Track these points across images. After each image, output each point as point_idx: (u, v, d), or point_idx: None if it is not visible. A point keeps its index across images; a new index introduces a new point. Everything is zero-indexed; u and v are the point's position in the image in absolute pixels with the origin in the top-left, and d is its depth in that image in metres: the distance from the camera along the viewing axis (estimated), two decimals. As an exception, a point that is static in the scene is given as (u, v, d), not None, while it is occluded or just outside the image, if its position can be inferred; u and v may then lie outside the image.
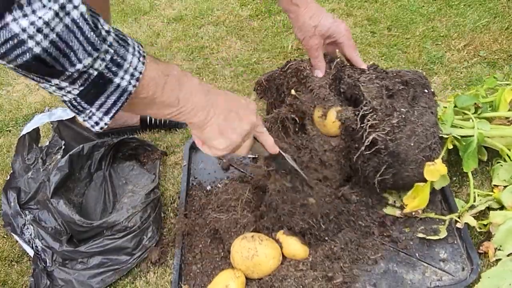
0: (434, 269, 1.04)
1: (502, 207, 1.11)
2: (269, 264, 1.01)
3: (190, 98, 0.76)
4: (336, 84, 1.16)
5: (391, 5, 1.91)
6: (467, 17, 1.78)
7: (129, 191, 1.29)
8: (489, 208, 1.11)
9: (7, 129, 1.64)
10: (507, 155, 1.16)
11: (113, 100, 0.68)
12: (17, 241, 1.22)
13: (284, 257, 1.05)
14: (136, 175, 1.35)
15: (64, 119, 1.32)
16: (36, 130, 1.32)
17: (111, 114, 0.69)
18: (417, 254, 1.06)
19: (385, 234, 1.09)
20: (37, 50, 0.57)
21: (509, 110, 1.24)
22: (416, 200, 1.09)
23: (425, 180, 1.06)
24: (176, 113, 0.76)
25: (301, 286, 0.98)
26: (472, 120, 1.17)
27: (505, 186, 1.14)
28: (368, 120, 1.04)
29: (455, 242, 1.07)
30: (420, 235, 1.07)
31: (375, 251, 1.06)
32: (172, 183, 1.35)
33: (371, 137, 1.03)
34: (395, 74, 1.12)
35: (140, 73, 0.68)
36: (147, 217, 1.18)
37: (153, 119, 1.51)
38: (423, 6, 1.88)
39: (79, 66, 0.62)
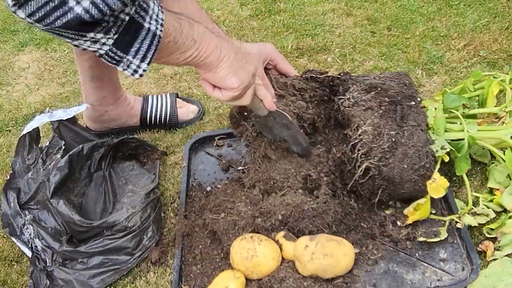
0: (434, 269, 1.04)
1: (504, 210, 1.11)
2: (269, 265, 1.01)
3: (203, 39, 0.80)
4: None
5: (391, 5, 1.91)
6: (467, 17, 1.78)
7: (129, 191, 1.29)
8: (496, 212, 1.11)
9: (7, 129, 1.64)
10: (500, 156, 1.16)
11: (147, 45, 0.71)
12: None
13: (283, 258, 1.04)
14: (136, 175, 1.35)
15: (64, 119, 1.32)
16: (36, 131, 1.32)
17: (148, 60, 0.72)
18: (417, 254, 1.06)
19: (385, 234, 1.09)
20: (78, 10, 0.58)
21: (495, 105, 1.23)
22: (418, 213, 1.08)
23: (422, 195, 1.06)
24: (196, 54, 0.80)
25: (301, 287, 0.98)
26: (461, 123, 1.15)
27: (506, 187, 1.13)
28: (359, 150, 1.04)
29: (455, 242, 1.07)
30: (421, 238, 1.07)
31: (375, 251, 1.06)
32: (172, 183, 1.35)
33: (364, 166, 1.03)
34: (379, 89, 1.10)
35: (162, 20, 0.71)
36: (147, 217, 1.18)
37: (153, 119, 1.51)
38: (423, 6, 1.88)
39: (111, 19, 0.63)
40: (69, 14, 0.58)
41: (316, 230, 1.04)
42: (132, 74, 0.72)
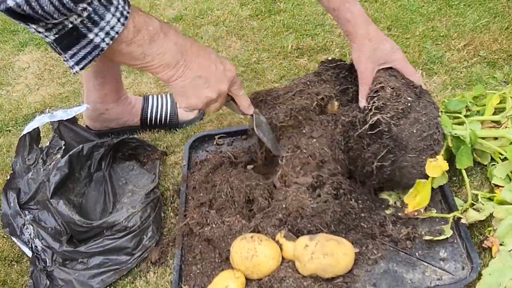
0: (434, 268, 1.04)
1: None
2: (269, 265, 1.01)
3: (159, 56, 0.79)
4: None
5: (391, 5, 1.91)
6: (467, 17, 1.78)
7: (129, 191, 1.29)
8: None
9: (7, 129, 1.64)
10: (500, 155, 1.16)
11: (84, 53, 0.72)
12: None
13: (283, 258, 1.04)
14: (136, 175, 1.35)
15: (64, 119, 1.32)
16: (37, 131, 1.32)
17: (82, 65, 0.73)
18: (417, 254, 1.06)
19: (385, 234, 1.09)
20: (10, 3, 0.63)
21: (495, 114, 1.24)
22: (417, 198, 1.08)
23: (422, 176, 1.06)
24: (140, 66, 0.80)
25: (301, 287, 0.98)
26: (465, 123, 1.18)
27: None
28: (374, 102, 1.05)
29: (455, 241, 1.07)
30: (427, 237, 1.06)
31: (375, 251, 1.06)
32: (172, 183, 1.35)
33: (375, 118, 1.03)
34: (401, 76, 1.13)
35: (117, 32, 0.71)
36: (147, 217, 1.18)
37: (153, 119, 1.51)
38: (423, 6, 1.88)
39: (51, 21, 0.67)
40: (3, 3, 0.63)
41: (315, 229, 1.04)
42: (69, 68, 0.75)
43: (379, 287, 1.02)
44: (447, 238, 1.07)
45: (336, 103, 1.16)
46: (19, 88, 1.81)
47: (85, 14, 0.67)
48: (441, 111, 1.21)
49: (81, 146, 1.29)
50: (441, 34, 1.72)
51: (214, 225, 1.10)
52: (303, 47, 1.77)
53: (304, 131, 1.13)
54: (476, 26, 1.72)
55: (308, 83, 1.18)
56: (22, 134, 1.31)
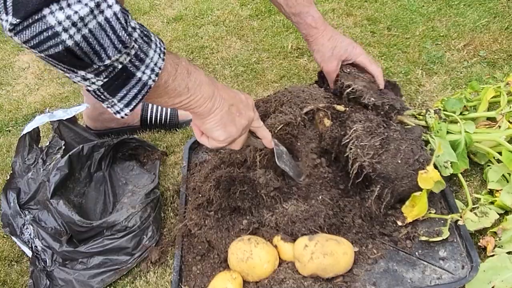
0: (434, 267, 1.04)
1: (506, 212, 1.11)
2: (263, 268, 1.00)
3: (198, 88, 0.79)
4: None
5: (391, 5, 1.91)
6: (467, 17, 1.78)
7: (129, 191, 1.29)
8: (499, 214, 1.11)
9: (7, 129, 1.64)
10: (494, 157, 1.16)
11: (134, 93, 0.71)
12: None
13: (282, 260, 1.04)
14: (136, 175, 1.35)
15: (64, 119, 1.32)
16: (36, 131, 1.32)
17: (132, 107, 0.72)
18: (416, 253, 1.06)
19: (384, 233, 1.09)
20: (69, 43, 0.60)
21: (490, 110, 1.25)
22: (415, 209, 1.08)
23: (421, 189, 1.06)
24: (186, 101, 0.79)
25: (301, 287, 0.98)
26: (459, 123, 1.17)
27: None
28: (351, 148, 1.05)
29: (455, 240, 1.07)
30: (424, 238, 1.06)
31: (375, 251, 1.06)
32: (172, 183, 1.35)
33: (357, 165, 1.04)
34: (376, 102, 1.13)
35: (160, 68, 0.71)
36: (147, 217, 1.18)
37: (153, 119, 1.51)
38: (423, 6, 1.88)
39: (107, 62, 0.64)
40: (60, 45, 0.60)
41: (309, 232, 1.04)
42: (115, 114, 0.73)
43: (379, 286, 1.02)
44: (447, 237, 1.07)
45: (327, 121, 1.14)
46: (19, 88, 1.81)
47: (132, 52, 0.67)
48: (439, 108, 1.22)
49: (81, 146, 1.29)
50: (441, 34, 1.72)
51: (212, 227, 1.10)
52: (303, 47, 1.77)
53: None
54: (476, 26, 1.72)
55: (299, 93, 1.18)
56: (22, 134, 1.31)
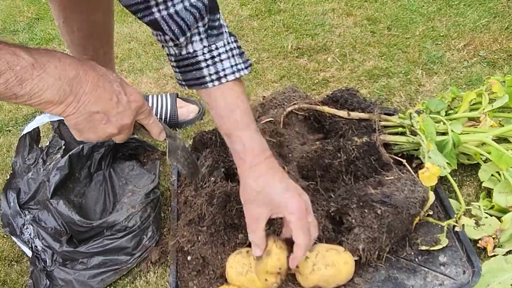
0: (435, 273, 1.02)
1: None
2: (264, 281, 0.97)
3: (37, 95, 0.68)
4: None
5: (391, 5, 1.91)
6: (467, 17, 1.78)
7: (129, 191, 1.29)
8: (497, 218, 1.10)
9: (7, 129, 1.64)
10: (481, 155, 1.16)
11: None
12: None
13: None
14: (136, 175, 1.35)
15: (64, 119, 1.32)
16: (37, 131, 1.32)
17: None
18: (417, 260, 1.05)
19: None
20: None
21: (472, 110, 1.25)
22: None
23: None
24: (20, 102, 0.69)
25: None
26: (444, 123, 1.17)
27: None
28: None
29: (454, 245, 1.06)
30: (423, 247, 1.05)
31: (375, 259, 1.03)
32: (172, 184, 1.35)
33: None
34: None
35: None
36: (147, 217, 1.18)
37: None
38: (423, 6, 1.88)
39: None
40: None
41: None
42: None
43: (381, 294, 1.00)
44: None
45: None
46: (19, 88, 1.81)
47: None
48: (422, 110, 1.22)
49: (81, 146, 1.29)
50: (441, 34, 1.72)
51: (206, 242, 1.06)
52: (303, 47, 1.77)
53: None
54: (476, 26, 1.72)
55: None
56: (22, 134, 1.31)
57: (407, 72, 1.59)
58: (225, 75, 0.89)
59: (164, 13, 0.82)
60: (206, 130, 1.29)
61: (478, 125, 1.22)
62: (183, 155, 0.97)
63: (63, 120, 1.30)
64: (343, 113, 1.19)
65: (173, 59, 0.91)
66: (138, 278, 1.14)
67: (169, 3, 0.81)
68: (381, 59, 1.66)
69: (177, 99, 1.55)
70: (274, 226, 1.04)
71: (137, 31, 2.00)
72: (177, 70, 0.92)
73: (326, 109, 1.18)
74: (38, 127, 1.32)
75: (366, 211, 1.00)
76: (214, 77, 0.89)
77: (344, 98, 1.23)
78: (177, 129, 1.52)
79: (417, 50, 1.67)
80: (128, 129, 0.80)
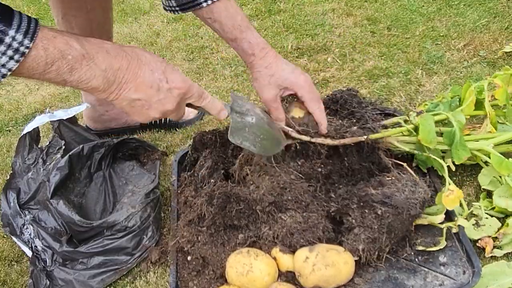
0: (435, 273, 1.02)
1: (506, 216, 1.10)
2: (264, 281, 0.97)
3: (84, 82, 0.76)
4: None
5: (391, 5, 1.92)
6: (467, 17, 1.78)
7: (129, 191, 1.29)
8: (498, 219, 1.10)
9: (7, 129, 1.64)
10: (481, 160, 1.16)
11: None
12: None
13: (280, 272, 1.01)
14: (136, 175, 1.35)
15: (64, 119, 1.32)
16: (36, 131, 1.32)
17: None
18: (417, 260, 1.04)
19: None
20: None
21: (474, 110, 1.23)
22: None
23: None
24: (71, 86, 0.77)
25: None
26: (448, 114, 1.14)
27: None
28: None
29: (454, 245, 1.06)
30: (421, 248, 1.05)
31: (375, 259, 1.03)
32: (172, 184, 1.35)
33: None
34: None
35: (10, 70, 0.68)
36: (147, 217, 1.18)
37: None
38: (423, 6, 1.88)
39: None
40: None
41: (308, 244, 1.01)
42: None
43: (381, 295, 1.00)
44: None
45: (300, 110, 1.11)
46: (19, 88, 1.81)
47: None
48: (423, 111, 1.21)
49: (81, 146, 1.29)
50: (441, 34, 1.72)
51: (206, 242, 1.06)
52: (303, 47, 1.77)
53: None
54: (476, 26, 1.72)
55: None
56: (22, 134, 1.31)
57: (407, 72, 1.59)
58: None
59: None
60: (206, 130, 1.28)
61: (477, 126, 1.21)
62: (253, 132, 0.99)
63: (63, 120, 1.31)
64: (306, 138, 1.10)
65: None
66: (138, 278, 1.14)
67: None
68: (381, 59, 1.66)
69: (177, 99, 1.55)
70: None
71: (137, 31, 2.00)
72: None
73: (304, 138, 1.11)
74: (38, 127, 1.32)
75: (366, 211, 1.00)
76: None
77: (344, 98, 1.23)
78: (177, 129, 1.52)
79: (417, 50, 1.67)
80: (176, 111, 0.87)
